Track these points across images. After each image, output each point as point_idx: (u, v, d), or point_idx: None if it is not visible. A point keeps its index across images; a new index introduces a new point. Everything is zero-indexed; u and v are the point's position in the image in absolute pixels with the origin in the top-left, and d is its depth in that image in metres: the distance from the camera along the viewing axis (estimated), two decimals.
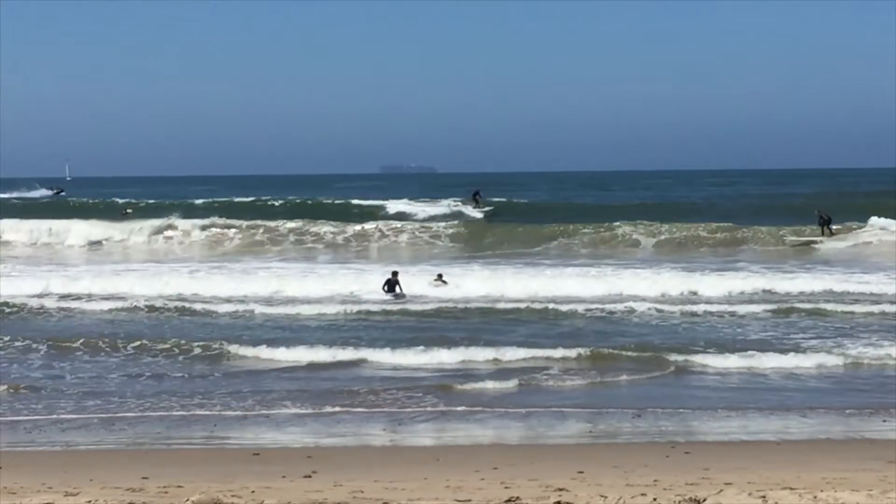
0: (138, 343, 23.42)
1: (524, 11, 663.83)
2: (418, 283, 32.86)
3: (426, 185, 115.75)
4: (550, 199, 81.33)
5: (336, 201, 69.08)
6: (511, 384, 19.32)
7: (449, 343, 23.05)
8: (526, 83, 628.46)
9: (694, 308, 28.39)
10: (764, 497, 10.00)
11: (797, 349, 22.32)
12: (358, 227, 52.64)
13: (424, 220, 57.45)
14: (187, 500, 10.18)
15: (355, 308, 29.18)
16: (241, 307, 29.55)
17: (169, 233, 53.50)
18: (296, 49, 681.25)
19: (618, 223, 50.50)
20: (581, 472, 12.14)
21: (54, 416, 17.03)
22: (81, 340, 23.71)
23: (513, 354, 21.90)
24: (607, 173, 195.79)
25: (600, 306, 28.66)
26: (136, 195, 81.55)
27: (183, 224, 54.23)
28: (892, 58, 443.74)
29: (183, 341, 23.41)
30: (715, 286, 31.95)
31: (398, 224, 54.47)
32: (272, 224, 53.41)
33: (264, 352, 22.70)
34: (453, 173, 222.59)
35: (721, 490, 10.49)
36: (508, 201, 69.96)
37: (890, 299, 29.03)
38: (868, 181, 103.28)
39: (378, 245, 50.75)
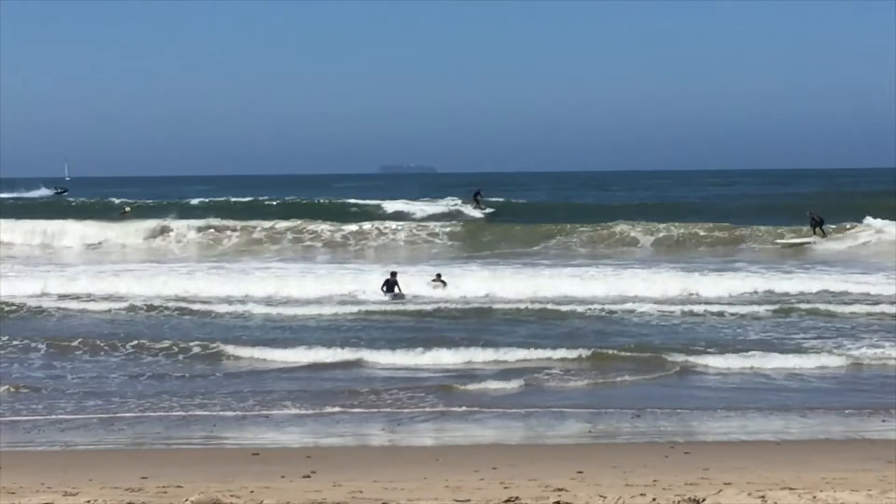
0: (137, 343, 23.41)
1: (524, 11, 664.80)
2: (417, 284, 32.85)
3: (426, 185, 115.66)
4: (550, 199, 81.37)
5: (334, 201, 69.09)
6: (512, 385, 19.28)
7: (448, 343, 23.02)
8: (526, 83, 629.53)
9: (694, 308, 28.37)
10: (763, 497, 9.99)
11: (798, 349, 22.31)
12: (355, 227, 52.55)
13: (422, 219, 57.38)
14: (186, 500, 10.17)
15: (354, 308, 29.18)
16: (239, 307, 29.56)
17: (168, 232, 53.45)
18: (296, 49, 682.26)
19: (617, 223, 50.49)
20: (580, 473, 12.14)
21: (53, 416, 17.02)
22: (80, 340, 23.71)
23: (513, 355, 21.86)
24: (607, 173, 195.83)
25: (600, 306, 28.67)
26: (136, 195, 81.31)
27: (181, 224, 54.17)
28: (892, 58, 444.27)
29: (182, 342, 23.39)
30: (714, 286, 31.94)
31: (396, 224, 54.32)
32: (270, 224, 53.36)
33: (263, 352, 22.67)
34: (453, 173, 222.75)
35: (720, 490, 10.49)
36: (507, 201, 69.85)
37: (890, 299, 29.02)
38: (867, 181, 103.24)
39: (376, 245, 50.67)
